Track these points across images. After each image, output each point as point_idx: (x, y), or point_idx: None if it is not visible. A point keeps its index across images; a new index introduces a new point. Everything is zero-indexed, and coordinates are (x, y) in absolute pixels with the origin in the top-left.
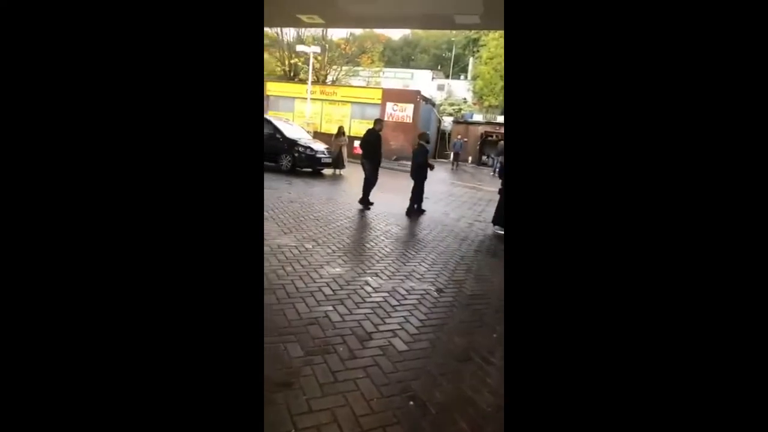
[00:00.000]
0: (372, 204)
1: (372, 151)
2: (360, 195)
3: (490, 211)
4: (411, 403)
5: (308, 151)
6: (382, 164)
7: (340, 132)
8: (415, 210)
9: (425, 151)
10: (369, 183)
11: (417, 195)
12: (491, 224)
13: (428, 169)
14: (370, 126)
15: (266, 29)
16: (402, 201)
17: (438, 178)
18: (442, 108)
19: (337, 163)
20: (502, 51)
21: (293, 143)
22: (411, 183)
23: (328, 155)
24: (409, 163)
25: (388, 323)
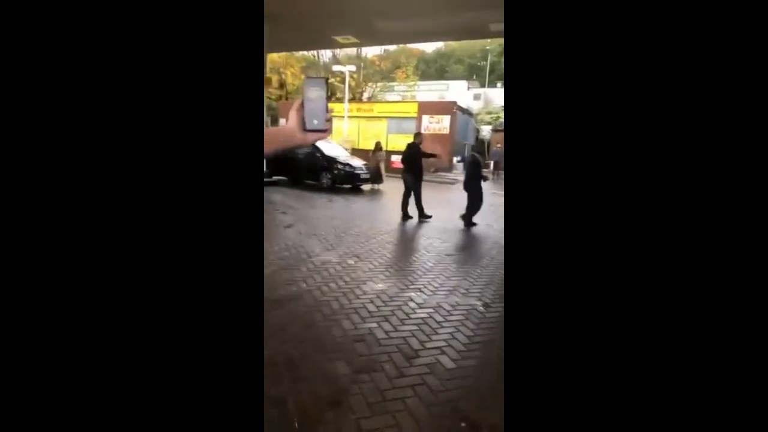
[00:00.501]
0: (411, 217)
1: (413, 164)
2: (400, 209)
3: None
4: (463, 424)
5: (347, 168)
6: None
7: (378, 147)
8: (469, 223)
9: (478, 163)
10: (417, 195)
11: (471, 207)
12: None
13: (481, 181)
14: (409, 140)
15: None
16: (442, 213)
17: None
18: (479, 117)
19: (376, 178)
20: None
21: (332, 161)
22: (448, 195)
23: (366, 171)
24: (447, 174)
25: (435, 340)
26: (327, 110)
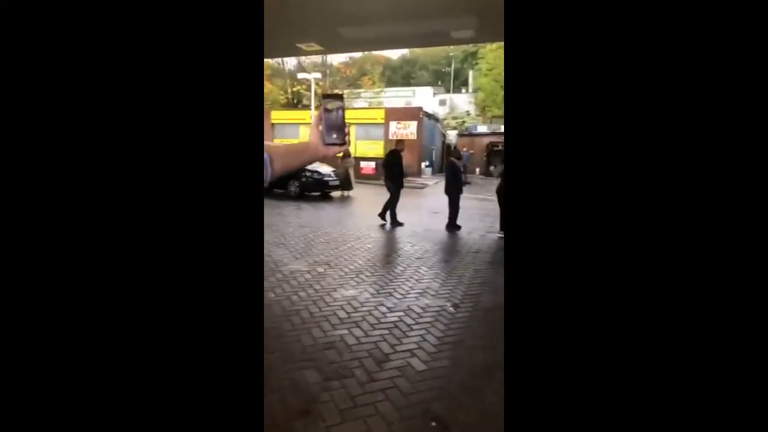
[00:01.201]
0: (401, 224)
1: (396, 171)
2: (377, 213)
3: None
4: (433, 424)
5: (315, 175)
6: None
7: (346, 154)
8: (453, 226)
9: (456, 169)
10: (394, 201)
11: (453, 213)
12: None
13: (461, 185)
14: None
15: (268, 60)
16: (411, 218)
17: None
18: (445, 122)
19: (345, 184)
20: (501, 62)
21: (302, 169)
22: (418, 200)
23: (335, 178)
24: (416, 179)
25: (405, 343)
26: (345, 124)
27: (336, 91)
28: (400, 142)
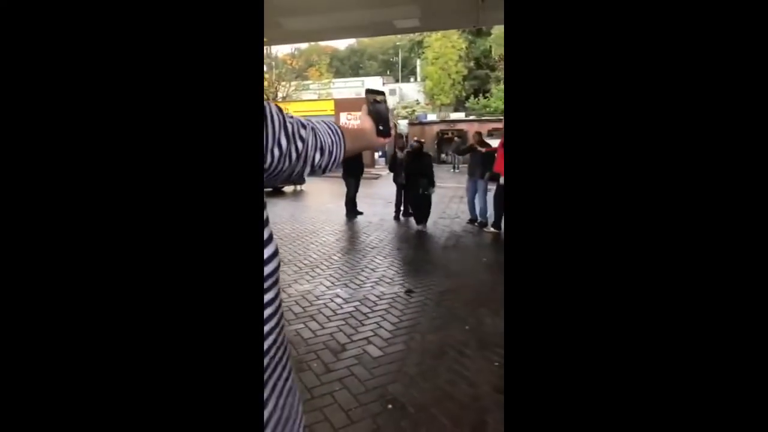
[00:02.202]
0: (361, 213)
1: (356, 166)
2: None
3: (454, 207)
4: (390, 406)
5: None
6: (338, 173)
7: None
8: (403, 216)
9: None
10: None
11: (400, 200)
12: (468, 224)
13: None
14: None
15: None
16: (365, 208)
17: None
18: (396, 112)
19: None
20: (447, 50)
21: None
22: (372, 190)
23: None
24: (370, 170)
25: (361, 331)
26: (390, 117)
27: (379, 89)
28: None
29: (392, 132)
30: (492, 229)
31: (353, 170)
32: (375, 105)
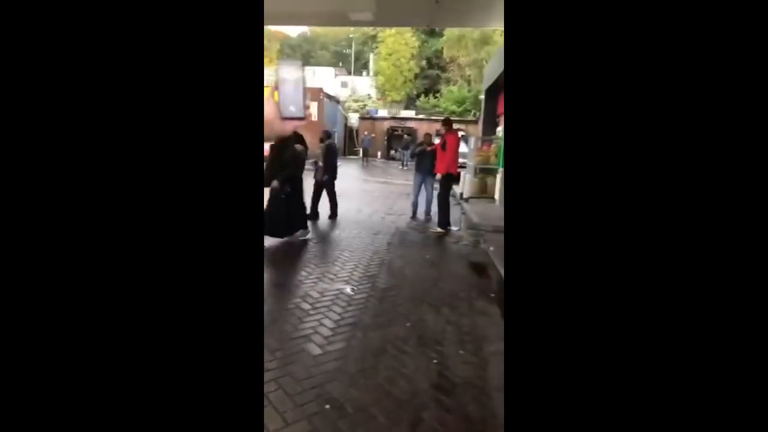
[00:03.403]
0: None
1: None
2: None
3: (401, 204)
4: (327, 406)
5: None
6: None
7: None
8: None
9: (333, 149)
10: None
11: (334, 198)
12: (410, 219)
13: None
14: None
15: None
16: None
17: (350, 175)
18: (347, 105)
19: None
20: (400, 47)
21: None
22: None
23: None
24: (320, 163)
25: (301, 329)
26: (304, 95)
27: (294, 59)
28: (326, 132)
29: (307, 113)
30: (438, 229)
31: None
32: (283, 84)
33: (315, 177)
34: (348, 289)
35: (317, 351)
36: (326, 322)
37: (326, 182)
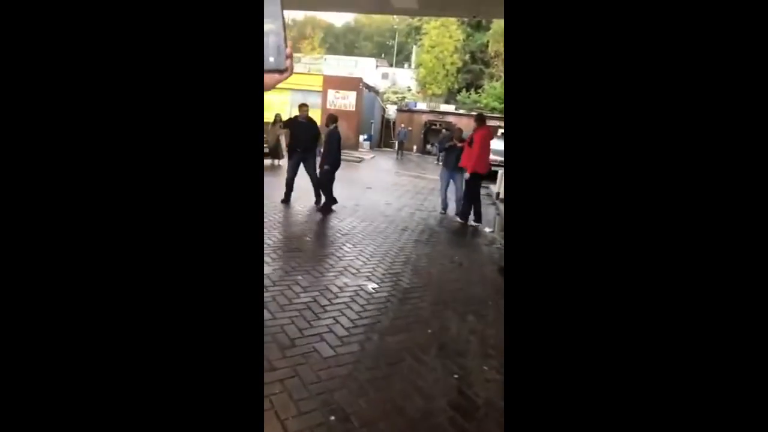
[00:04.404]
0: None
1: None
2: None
3: (433, 200)
4: (332, 418)
5: None
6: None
7: (277, 119)
8: (324, 204)
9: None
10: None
11: (327, 189)
12: (440, 214)
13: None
14: (315, 114)
15: None
16: (345, 192)
17: (383, 168)
18: (386, 96)
19: (275, 153)
20: (444, 39)
21: None
22: (354, 174)
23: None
24: (353, 153)
25: (315, 326)
26: (286, 44)
27: None
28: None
29: (288, 65)
30: (458, 219)
31: (296, 148)
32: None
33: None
34: (370, 287)
35: (329, 352)
36: (342, 320)
37: (325, 171)
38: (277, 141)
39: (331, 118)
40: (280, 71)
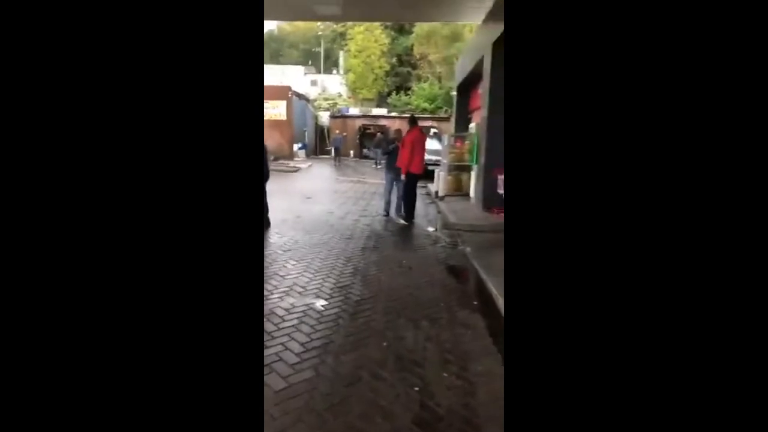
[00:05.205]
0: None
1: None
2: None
3: (375, 204)
4: None
5: None
6: None
7: None
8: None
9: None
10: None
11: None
12: (383, 217)
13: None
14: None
15: None
16: (283, 204)
17: (322, 175)
18: (317, 103)
19: None
20: (370, 44)
21: None
22: (290, 184)
23: None
24: (289, 162)
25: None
26: None
27: None
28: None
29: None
30: (401, 221)
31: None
32: None
33: None
34: (318, 304)
35: (281, 384)
36: (292, 345)
37: None
38: None
39: None
40: None
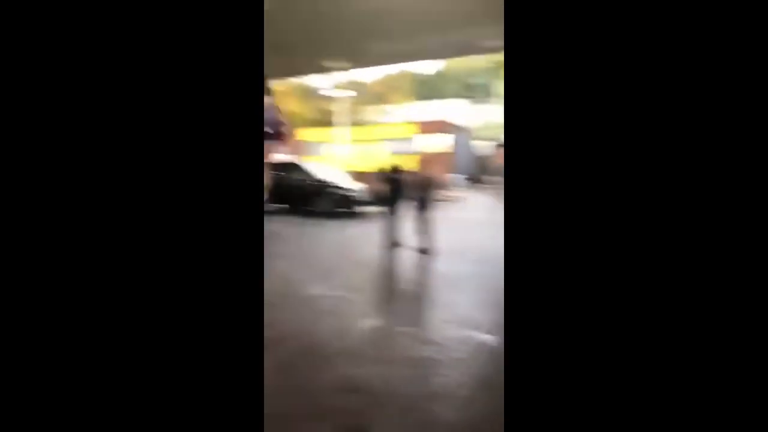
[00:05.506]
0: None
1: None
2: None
3: None
4: None
5: (343, 192)
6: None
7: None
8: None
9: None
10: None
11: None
12: None
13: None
14: (407, 160)
15: (296, 80)
16: (452, 235)
17: (485, 205)
18: (478, 133)
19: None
20: None
21: (327, 185)
22: (457, 213)
23: (363, 195)
24: (450, 193)
25: (435, 384)
26: (278, 115)
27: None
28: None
29: (285, 130)
30: None
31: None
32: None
33: None
34: (484, 337)
35: (452, 417)
36: (461, 377)
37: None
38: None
39: (392, 167)
40: (274, 136)
